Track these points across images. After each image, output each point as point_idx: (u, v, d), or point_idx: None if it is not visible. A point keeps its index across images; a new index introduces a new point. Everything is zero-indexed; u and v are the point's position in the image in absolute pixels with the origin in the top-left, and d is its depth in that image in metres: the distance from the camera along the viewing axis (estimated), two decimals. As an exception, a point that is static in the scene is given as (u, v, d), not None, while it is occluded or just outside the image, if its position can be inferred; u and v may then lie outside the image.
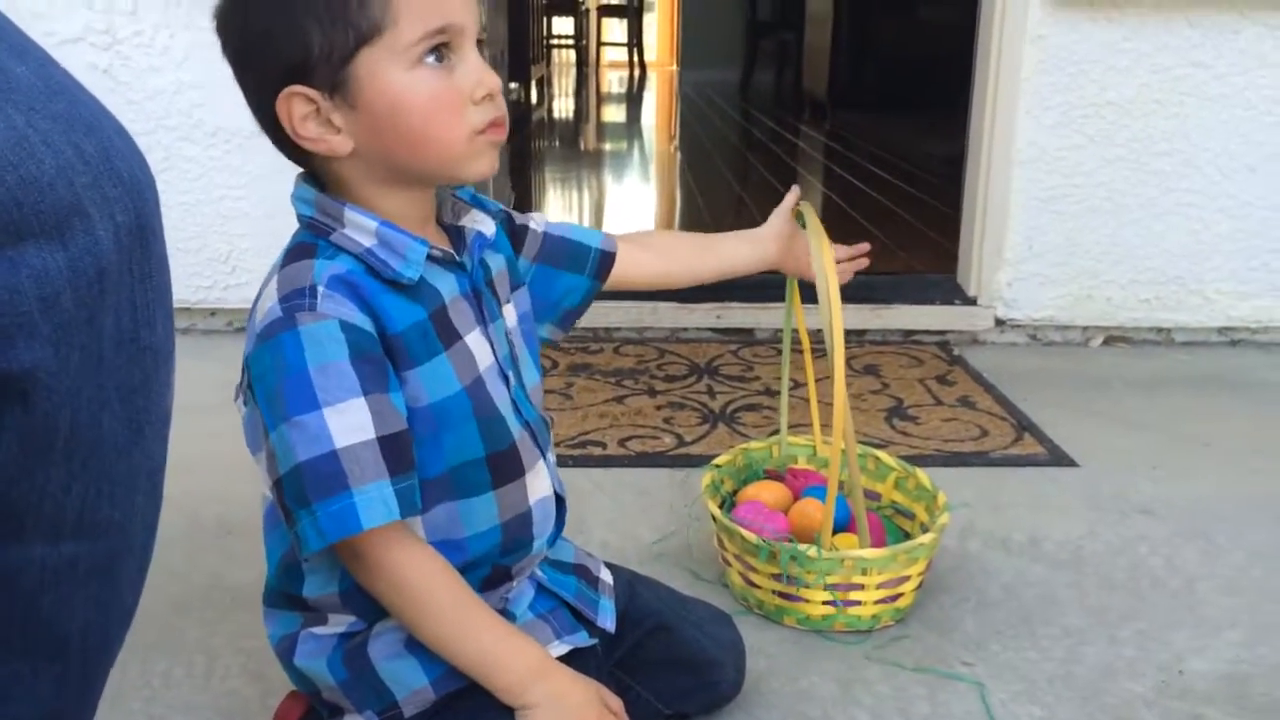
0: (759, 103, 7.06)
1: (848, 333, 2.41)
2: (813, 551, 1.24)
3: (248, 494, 1.62)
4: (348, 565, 0.88)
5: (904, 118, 5.24)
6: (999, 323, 2.40)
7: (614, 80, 9.41)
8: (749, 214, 3.57)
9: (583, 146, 5.81)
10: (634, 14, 8.84)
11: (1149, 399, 2.10)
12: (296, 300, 0.84)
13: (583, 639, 1.00)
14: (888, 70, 5.69)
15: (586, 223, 3.83)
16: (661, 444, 1.81)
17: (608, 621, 1.03)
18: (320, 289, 0.84)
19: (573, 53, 9.60)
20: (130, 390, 0.61)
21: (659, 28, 10.81)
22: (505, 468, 0.93)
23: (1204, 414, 2.03)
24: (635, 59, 8.97)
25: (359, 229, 0.87)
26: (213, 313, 2.39)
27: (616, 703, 0.95)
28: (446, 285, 0.91)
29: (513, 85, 2.76)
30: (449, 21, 0.82)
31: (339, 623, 0.95)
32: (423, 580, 0.86)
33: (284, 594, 0.96)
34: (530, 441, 0.96)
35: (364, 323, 0.84)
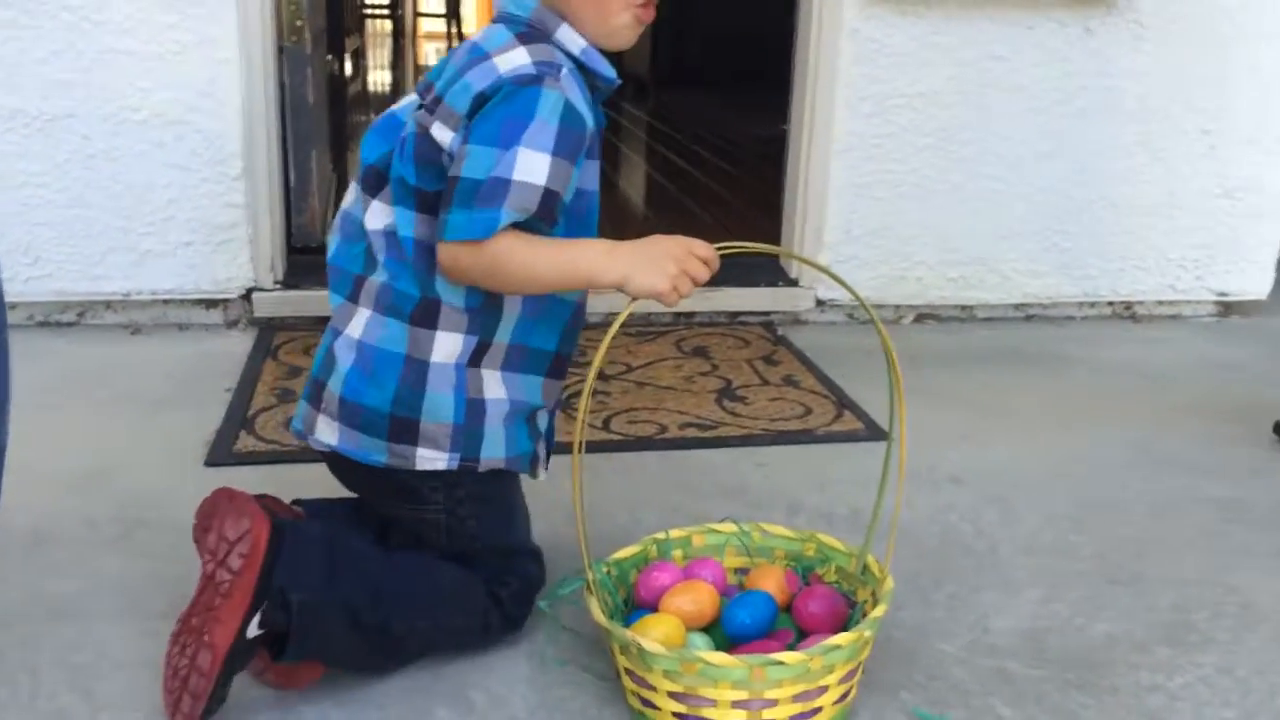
0: (582, 79, 7.06)
1: (676, 315, 2.48)
2: (656, 647, 1.06)
3: (61, 503, 1.56)
4: (467, 257, 1.11)
5: (726, 97, 5.36)
6: (819, 303, 2.52)
7: (431, 52, 9.22)
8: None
9: (404, 122, 5.67)
10: (452, -15, 8.66)
11: (956, 373, 2.25)
12: (548, 69, 1.13)
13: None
14: (709, 49, 5.80)
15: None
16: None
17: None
18: (564, 70, 1.14)
19: (388, 23, 9.34)
20: None
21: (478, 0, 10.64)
22: None
23: (1004, 386, 2.19)
24: (453, 30, 8.80)
25: (572, 41, 1.18)
26: (13, 306, 2.25)
27: (706, 250, 1.13)
28: (595, 116, 1.20)
29: (328, 58, 2.68)
30: None
31: (455, 348, 1.19)
32: (509, 246, 1.11)
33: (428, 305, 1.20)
34: None
35: (584, 110, 1.15)
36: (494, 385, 1.22)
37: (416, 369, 1.18)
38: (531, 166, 1.09)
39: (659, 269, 1.11)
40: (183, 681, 1.06)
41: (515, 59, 1.13)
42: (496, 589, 1.25)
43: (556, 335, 1.25)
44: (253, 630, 1.09)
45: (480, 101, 1.12)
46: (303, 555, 1.13)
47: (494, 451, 1.23)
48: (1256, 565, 1.52)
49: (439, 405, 1.19)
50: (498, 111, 1.11)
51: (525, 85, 1.11)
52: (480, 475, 1.23)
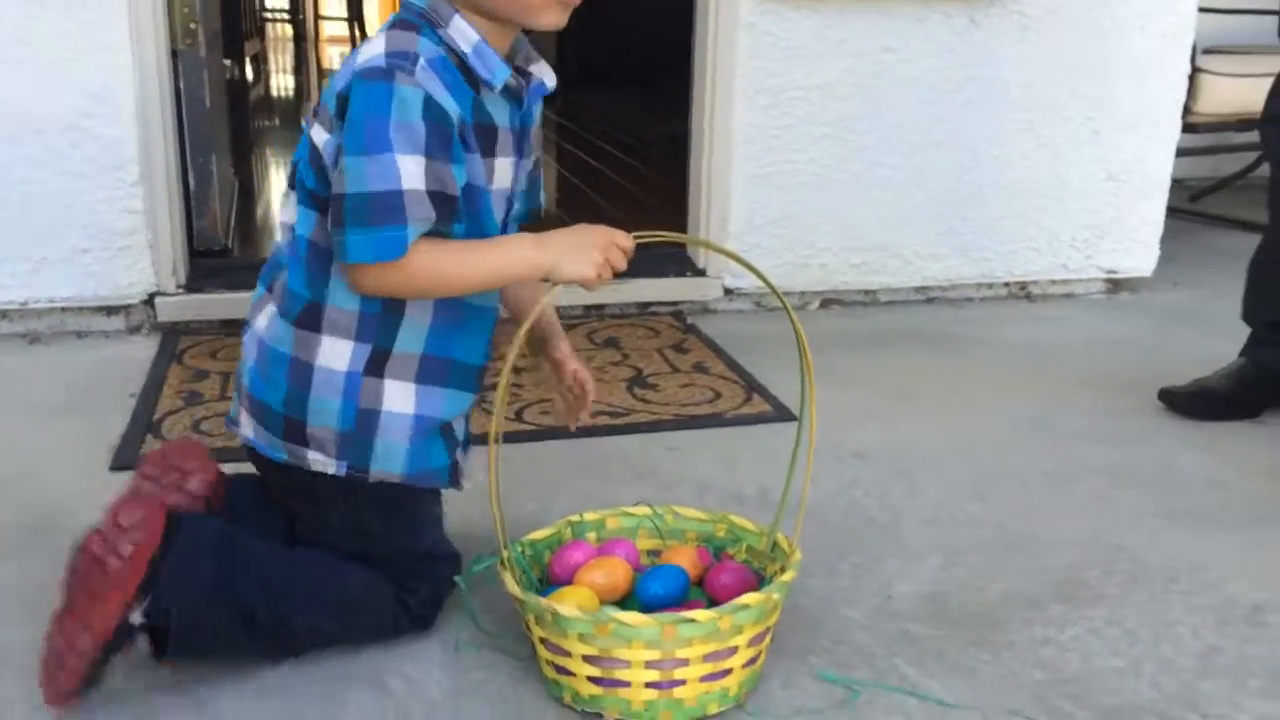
0: (489, 80, 7.03)
1: (587, 307, 2.50)
2: (571, 611, 1.09)
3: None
4: (381, 277, 1.08)
5: (632, 95, 5.39)
6: (727, 292, 2.56)
7: (335, 56, 9.09)
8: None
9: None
10: (354, -13, 8.55)
11: (860, 355, 2.31)
12: (400, 61, 1.05)
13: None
14: (615, 48, 5.82)
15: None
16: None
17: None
18: (421, 61, 1.06)
19: (289, 27, 9.20)
20: None
21: (380, 2, 10.52)
22: None
23: (908, 366, 2.26)
24: (356, 34, 8.70)
25: (463, 36, 1.11)
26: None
27: (627, 240, 1.15)
28: (501, 114, 1.16)
29: (225, 62, 2.66)
30: None
31: (344, 354, 1.16)
32: (433, 258, 1.10)
33: (313, 309, 1.16)
34: None
35: (447, 102, 1.07)
36: (399, 398, 1.19)
37: (302, 371, 1.17)
38: (411, 172, 1.05)
39: (586, 257, 1.12)
40: (59, 659, 1.06)
41: (371, 50, 1.08)
42: (405, 595, 1.24)
43: (481, 348, 1.25)
44: (137, 618, 1.09)
45: (342, 103, 1.08)
46: (189, 560, 1.11)
47: (389, 466, 1.20)
48: (1144, 526, 1.60)
49: (322, 410, 1.17)
50: (357, 115, 1.05)
51: (373, 80, 1.05)
52: (380, 484, 1.21)
